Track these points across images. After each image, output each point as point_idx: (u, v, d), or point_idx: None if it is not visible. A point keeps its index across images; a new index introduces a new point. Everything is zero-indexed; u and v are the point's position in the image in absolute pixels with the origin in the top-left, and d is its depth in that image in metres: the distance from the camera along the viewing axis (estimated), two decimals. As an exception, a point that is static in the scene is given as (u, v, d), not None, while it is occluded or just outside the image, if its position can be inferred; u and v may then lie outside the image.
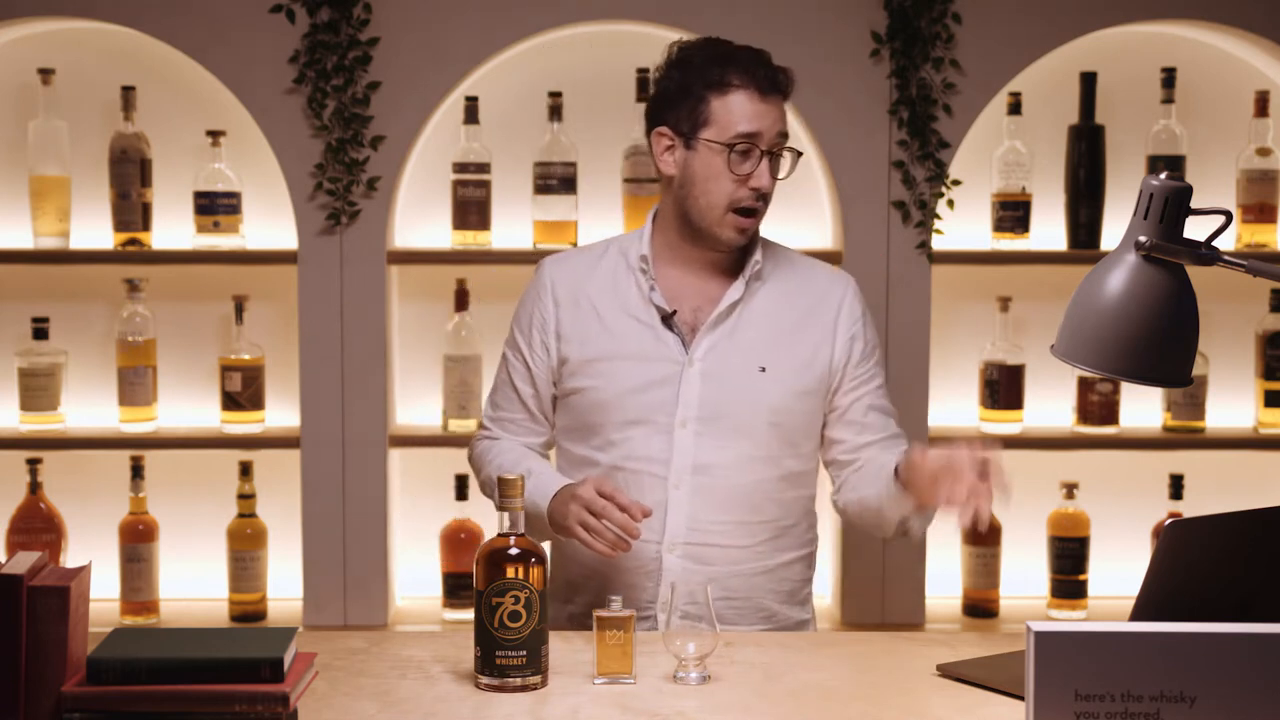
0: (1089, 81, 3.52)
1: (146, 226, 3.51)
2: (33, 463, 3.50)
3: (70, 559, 3.53)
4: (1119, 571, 3.61)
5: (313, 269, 3.46)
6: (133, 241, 3.50)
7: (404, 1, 3.41)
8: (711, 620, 2.10)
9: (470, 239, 3.51)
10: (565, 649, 2.23)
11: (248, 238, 3.54)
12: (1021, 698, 1.97)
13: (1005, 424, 3.55)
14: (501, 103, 3.58)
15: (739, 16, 3.42)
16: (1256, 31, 3.45)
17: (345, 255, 3.46)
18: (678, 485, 2.45)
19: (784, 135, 2.47)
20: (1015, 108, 3.52)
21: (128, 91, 3.49)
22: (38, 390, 3.50)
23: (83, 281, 3.60)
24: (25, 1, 3.42)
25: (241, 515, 3.54)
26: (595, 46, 3.57)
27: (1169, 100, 3.52)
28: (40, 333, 3.50)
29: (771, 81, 2.45)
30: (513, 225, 3.58)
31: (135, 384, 3.50)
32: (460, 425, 3.48)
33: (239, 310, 3.51)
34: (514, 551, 2.05)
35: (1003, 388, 3.54)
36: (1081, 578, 3.56)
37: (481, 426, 2.66)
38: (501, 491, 2.08)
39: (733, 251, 2.51)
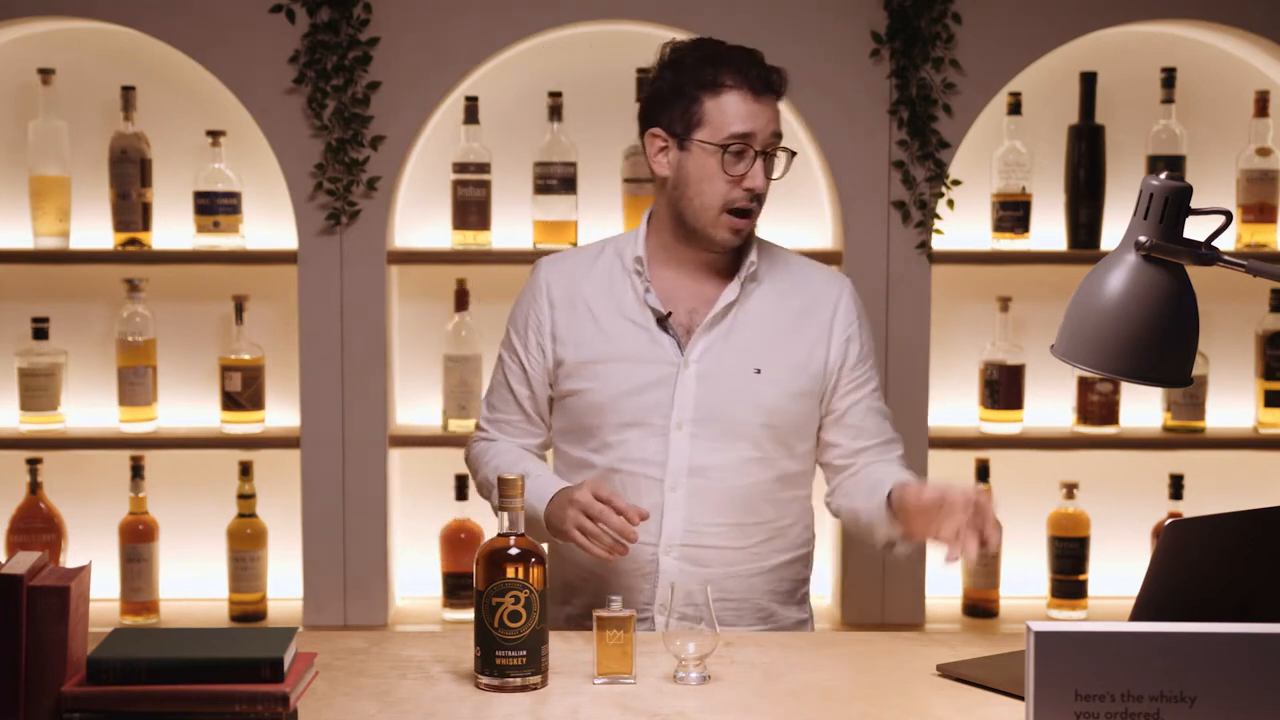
0: (1089, 81, 3.52)
1: (146, 226, 3.51)
2: (33, 463, 3.50)
3: (70, 559, 3.53)
4: (1119, 571, 3.61)
5: (313, 269, 3.46)
6: (133, 241, 3.50)
7: (404, 1, 3.41)
8: (711, 620, 2.09)
9: (470, 239, 3.51)
10: (565, 649, 2.23)
11: (248, 238, 3.54)
12: (1021, 698, 1.97)
13: (1005, 424, 3.55)
14: (501, 103, 3.58)
15: (739, 16, 3.42)
16: (1256, 31, 3.45)
17: (345, 255, 3.46)
18: (674, 487, 2.45)
19: (778, 135, 2.46)
20: (1015, 108, 3.52)
21: (128, 91, 3.49)
22: (38, 390, 3.50)
23: (83, 281, 3.60)
24: (25, 1, 3.42)
25: (241, 515, 3.54)
26: (595, 46, 3.57)
27: (1169, 100, 3.52)
28: (40, 333, 3.50)
29: (765, 81, 2.44)
30: (513, 225, 3.58)
31: (135, 384, 3.50)
32: (460, 425, 3.48)
33: (239, 310, 3.51)
34: (514, 551, 2.05)
35: (1003, 388, 3.54)
36: (1081, 578, 3.56)
37: (478, 428, 2.66)
38: (501, 491, 2.08)
39: (728, 252, 2.50)
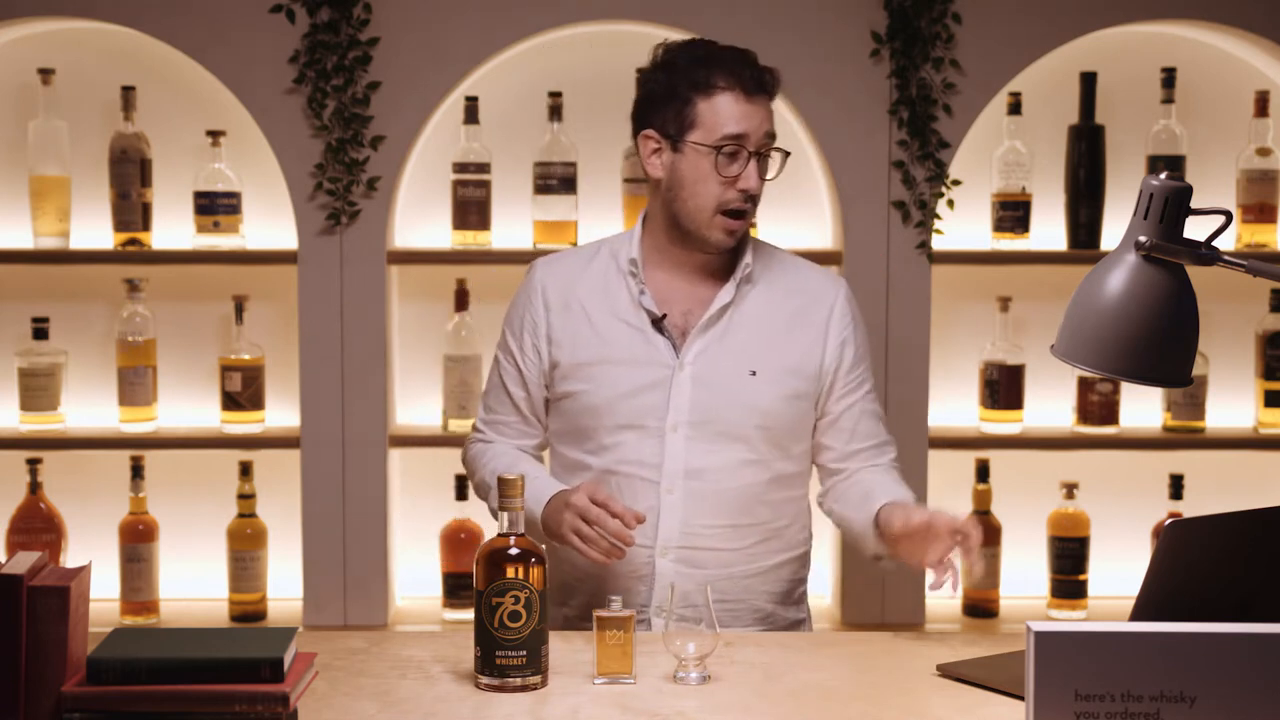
0: (1089, 81, 3.52)
1: (146, 226, 3.51)
2: (33, 463, 3.50)
3: (70, 559, 3.53)
4: (1119, 571, 3.61)
5: (313, 269, 3.46)
6: (133, 241, 3.50)
7: (404, 1, 3.41)
8: (711, 621, 2.09)
9: (470, 239, 3.51)
10: (565, 649, 2.23)
11: (248, 238, 3.54)
12: (1021, 698, 1.97)
13: (1005, 424, 3.55)
14: (501, 103, 3.58)
15: (739, 16, 3.42)
16: (1256, 31, 3.45)
17: (345, 255, 3.46)
18: (670, 490, 2.45)
19: (771, 135, 2.46)
20: (1015, 108, 3.52)
21: (128, 91, 3.49)
22: (38, 390, 3.50)
23: (83, 281, 3.60)
24: (25, 1, 3.42)
25: (241, 515, 3.54)
26: (595, 46, 3.57)
27: (1169, 100, 3.52)
28: (40, 333, 3.50)
29: (757, 82, 2.44)
30: (513, 225, 3.58)
31: (135, 384, 3.50)
32: (460, 425, 3.48)
33: (239, 310, 3.51)
34: (514, 551, 2.05)
35: (1003, 388, 3.54)
36: (1081, 578, 3.56)
37: (475, 429, 2.65)
38: (502, 492, 2.08)
39: (722, 254, 2.50)
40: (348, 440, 3.48)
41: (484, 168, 3.51)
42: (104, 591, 3.51)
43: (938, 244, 3.49)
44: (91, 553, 3.47)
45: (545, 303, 2.54)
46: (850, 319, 2.55)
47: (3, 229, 3.58)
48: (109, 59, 3.57)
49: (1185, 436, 3.56)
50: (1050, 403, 3.62)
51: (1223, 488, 3.63)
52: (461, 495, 3.51)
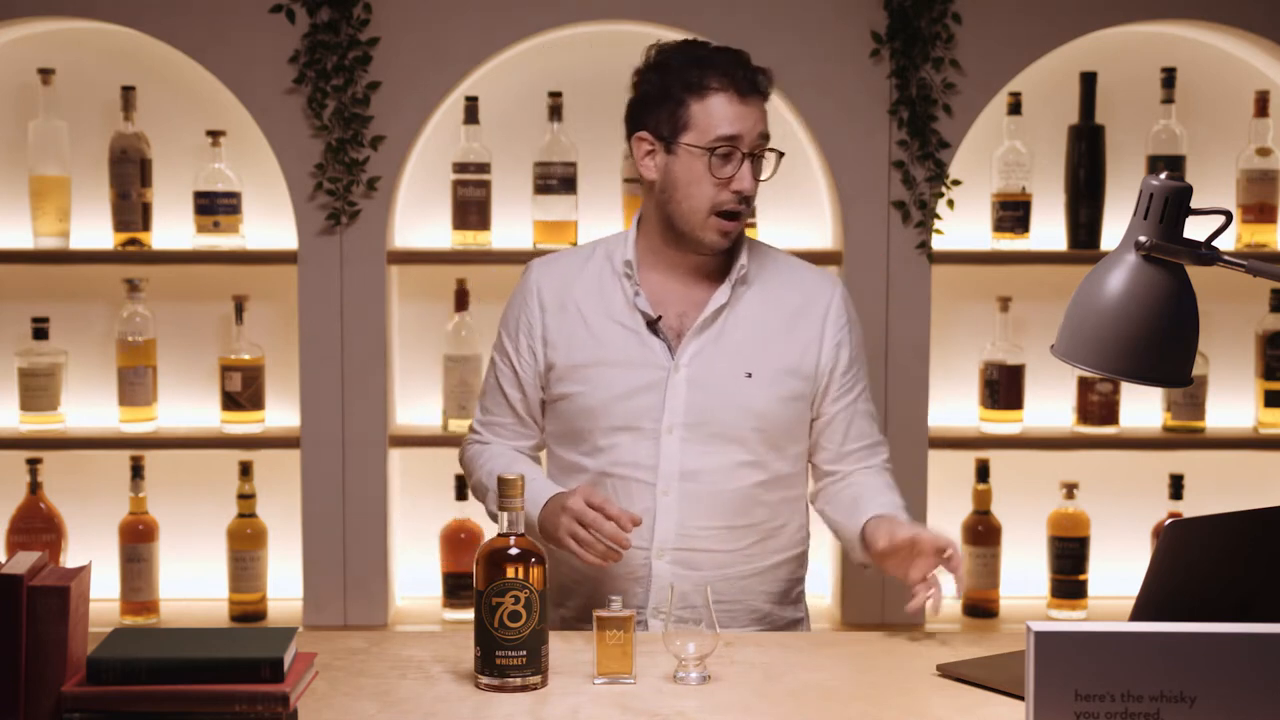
0: (1089, 81, 3.52)
1: (146, 226, 3.51)
2: (33, 463, 3.50)
3: (70, 559, 3.53)
4: (1119, 571, 3.61)
5: (313, 269, 3.46)
6: (133, 241, 3.50)
7: (404, 1, 3.41)
8: (711, 621, 2.09)
9: (470, 239, 3.51)
10: (565, 649, 2.23)
11: (248, 238, 3.54)
12: (1021, 698, 1.97)
13: (1005, 424, 3.55)
14: (501, 103, 3.58)
15: (739, 16, 3.42)
16: (1256, 31, 3.45)
17: (345, 255, 3.46)
18: (666, 491, 2.45)
19: (765, 136, 2.45)
20: (1015, 108, 3.52)
21: (128, 91, 3.49)
22: (38, 390, 3.50)
23: (83, 281, 3.60)
24: (25, 1, 3.42)
25: (241, 515, 3.54)
26: (595, 46, 3.57)
27: (1169, 100, 3.52)
28: (40, 333, 3.50)
29: (751, 83, 2.43)
30: (513, 225, 3.58)
31: (135, 384, 3.50)
32: (460, 425, 3.48)
33: (239, 310, 3.51)
34: (514, 551, 2.05)
35: (1003, 388, 3.54)
36: (1081, 578, 3.56)
37: (472, 430, 2.65)
38: (502, 492, 2.08)
39: (717, 255, 2.49)
40: (348, 440, 3.48)
41: (484, 168, 3.51)
42: (104, 591, 3.51)
43: (938, 244, 3.49)
44: (91, 553, 3.47)
45: (541, 304, 2.54)
46: (846, 320, 2.54)
47: (3, 229, 3.58)
48: (109, 59, 3.57)
49: (1185, 436, 3.56)
50: (1050, 403, 3.62)
51: (1223, 488, 3.63)
52: (461, 495, 3.51)
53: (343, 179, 3.42)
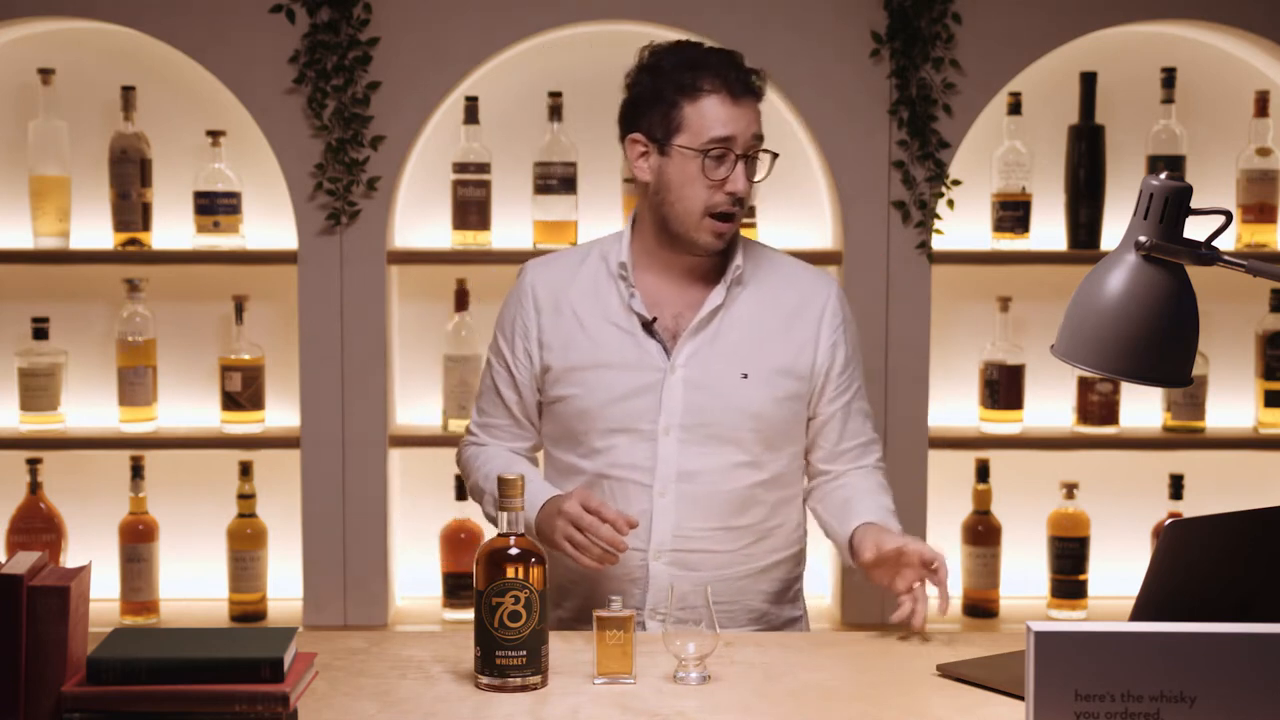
0: (1089, 81, 3.52)
1: (146, 226, 3.51)
2: (33, 463, 3.50)
3: (70, 559, 3.53)
4: (1119, 571, 3.61)
5: (313, 269, 3.46)
6: (133, 241, 3.50)
7: (404, 1, 3.41)
8: (711, 621, 2.09)
9: (470, 239, 3.51)
10: (565, 649, 2.23)
11: (248, 238, 3.54)
12: (1021, 698, 1.97)
13: (1005, 424, 3.55)
14: (501, 103, 3.58)
15: (739, 16, 3.42)
16: (1256, 31, 3.45)
17: (345, 255, 3.46)
18: (663, 493, 2.44)
19: (759, 137, 2.44)
20: (1015, 108, 3.52)
21: (128, 91, 3.49)
22: (38, 390, 3.51)
23: (83, 281, 3.60)
24: (25, 1, 3.42)
25: (241, 515, 3.54)
26: (595, 46, 3.57)
27: (1169, 100, 3.52)
28: (40, 333, 3.50)
29: (744, 84, 2.42)
30: (513, 225, 3.58)
31: (135, 384, 3.50)
32: (460, 425, 3.48)
33: (239, 310, 3.51)
34: (514, 551, 2.05)
35: (1003, 388, 3.54)
36: (1081, 578, 3.56)
37: (468, 432, 2.65)
38: (502, 492, 2.08)
39: (712, 256, 2.49)
40: (348, 440, 3.48)
41: (484, 168, 3.51)
42: (104, 591, 3.52)
43: (938, 244, 3.49)
44: (91, 553, 3.47)
45: (536, 306, 2.53)
46: (841, 319, 2.54)
47: (3, 229, 3.58)
48: (109, 59, 3.57)
49: (1185, 436, 3.56)
50: (1050, 403, 3.62)
51: (1223, 488, 3.63)
52: (461, 495, 3.51)
53: (343, 179, 3.42)
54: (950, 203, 3.47)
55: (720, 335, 2.47)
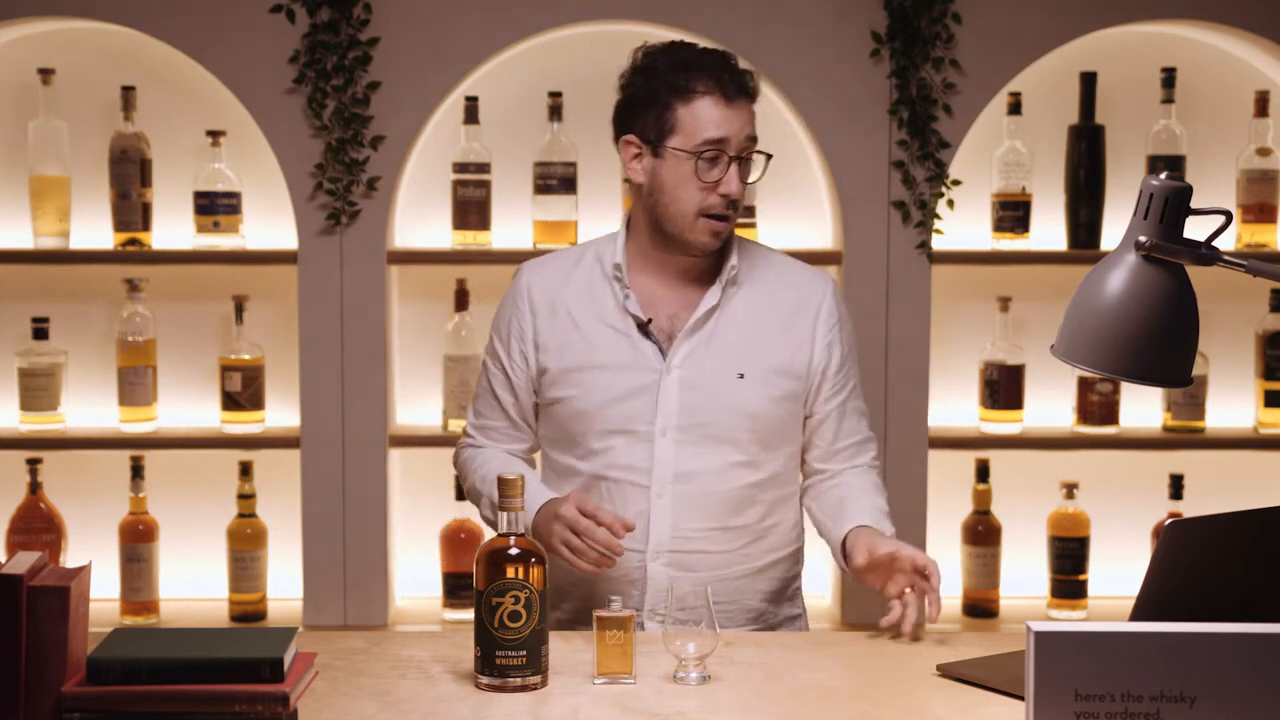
0: (1089, 81, 3.52)
1: (146, 226, 3.51)
2: (33, 463, 3.50)
3: (70, 559, 3.53)
4: (1119, 571, 3.61)
5: (313, 269, 3.46)
6: (133, 241, 3.50)
7: (404, 1, 3.41)
8: (711, 620, 2.09)
9: (470, 239, 3.51)
10: (565, 649, 2.23)
11: (248, 238, 3.54)
12: (1021, 698, 1.97)
13: (1005, 424, 3.55)
14: (501, 103, 3.58)
15: (739, 16, 3.42)
16: (1256, 31, 3.45)
17: (345, 255, 3.46)
18: (660, 494, 2.44)
19: (753, 139, 2.43)
20: (1015, 108, 3.52)
21: (128, 91, 3.49)
22: (38, 390, 3.51)
23: (83, 281, 3.60)
24: (25, 1, 3.42)
25: (241, 515, 3.54)
26: (595, 46, 3.57)
27: (1169, 100, 3.52)
28: (40, 333, 3.50)
29: (737, 85, 2.41)
30: (513, 225, 3.58)
31: (135, 384, 3.50)
32: (460, 425, 3.48)
33: (239, 310, 3.51)
34: (514, 551, 2.05)
35: (1003, 388, 3.54)
36: (1081, 578, 3.56)
37: (465, 434, 2.65)
38: (502, 492, 2.08)
39: (707, 256, 2.49)
40: (348, 440, 3.48)
41: (484, 168, 3.51)
42: (104, 591, 3.52)
43: (938, 244, 3.49)
44: (91, 553, 3.47)
45: (532, 308, 2.53)
46: (837, 318, 2.53)
47: (3, 229, 3.58)
48: (109, 59, 3.57)
49: (1185, 436, 3.56)
50: (1050, 403, 3.62)
51: (1223, 488, 3.63)
52: (462, 495, 3.51)
53: (343, 179, 3.42)
54: (950, 203, 3.47)
55: (716, 336, 2.47)
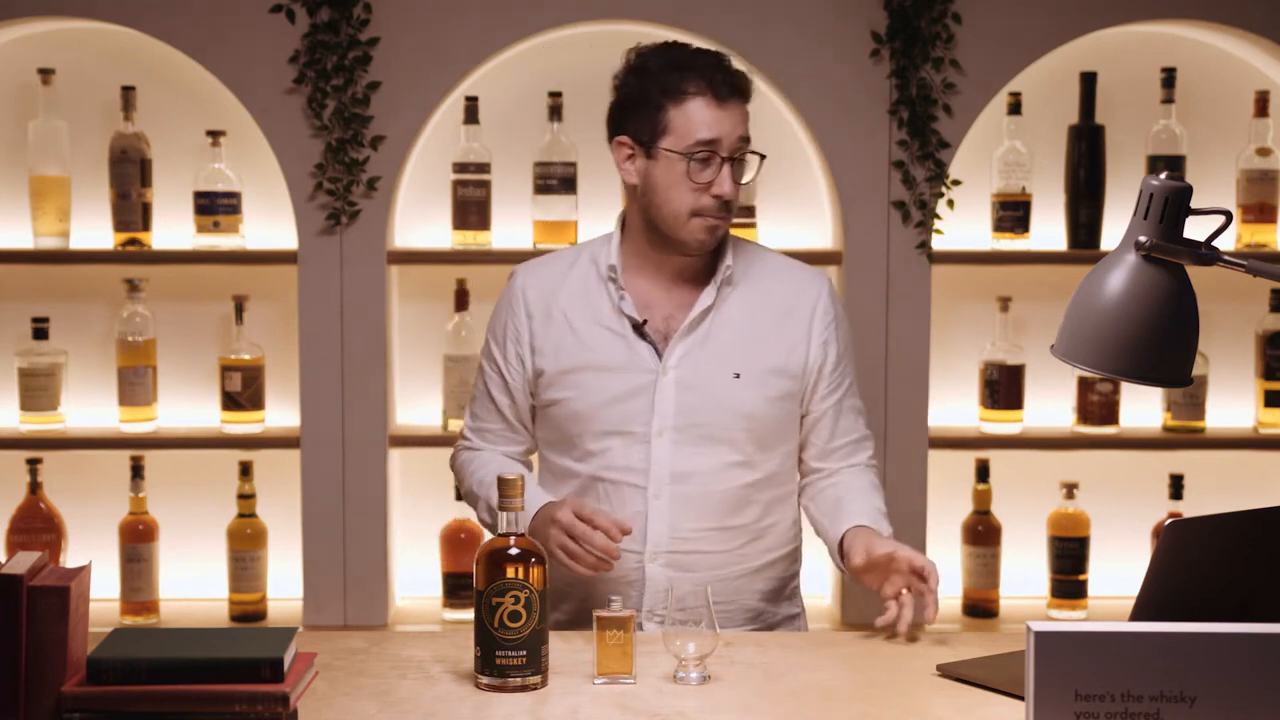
0: (1089, 81, 3.52)
1: (146, 226, 3.51)
2: (33, 463, 3.50)
3: (70, 559, 3.53)
4: (1119, 571, 3.61)
5: (313, 269, 3.46)
6: (133, 241, 3.50)
7: (404, 1, 3.41)
8: (711, 620, 2.09)
9: (470, 239, 3.51)
10: (565, 649, 2.23)
11: (248, 238, 3.54)
12: (1021, 698, 1.97)
13: (1005, 424, 3.55)
14: (501, 103, 3.58)
15: (739, 16, 3.42)
16: (1256, 31, 3.45)
17: (345, 255, 3.46)
18: (657, 495, 2.44)
19: (745, 139, 2.42)
20: (1015, 108, 3.52)
21: (128, 91, 3.49)
22: (38, 390, 3.51)
23: (83, 281, 3.60)
24: (25, 1, 3.42)
25: (241, 515, 3.54)
26: (595, 46, 3.57)
27: (1169, 100, 3.52)
28: (40, 333, 3.50)
29: (730, 86, 2.41)
30: (513, 225, 3.58)
31: (135, 384, 3.50)
32: (460, 425, 3.47)
33: (239, 310, 3.51)
34: (514, 551, 2.05)
35: (1003, 388, 3.54)
36: (1081, 578, 3.56)
37: (462, 436, 2.65)
38: (502, 492, 2.08)
39: (703, 256, 2.48)
40: (348, 440, 3.48)
41: (484, 168, 3.51)
42: (104, 591, 3.52)
43: (938, 244, 3.49)
44: (91, 553, 3.47)
45: (527, 311, 2.52)
46: (833, 316, 2.53)
47: (3, 229, 3.58)
48: (109, 59, 3.57)
49: (1185, 436, 3.56)
50: (1050, 403, 3.62)
51: (1223, 488, 3.63)
52: (461, 496, 3.51)
53: (343, 179, 3.42)
54: (950, 203, 3.47)
55: (711, 336, 2.47)
